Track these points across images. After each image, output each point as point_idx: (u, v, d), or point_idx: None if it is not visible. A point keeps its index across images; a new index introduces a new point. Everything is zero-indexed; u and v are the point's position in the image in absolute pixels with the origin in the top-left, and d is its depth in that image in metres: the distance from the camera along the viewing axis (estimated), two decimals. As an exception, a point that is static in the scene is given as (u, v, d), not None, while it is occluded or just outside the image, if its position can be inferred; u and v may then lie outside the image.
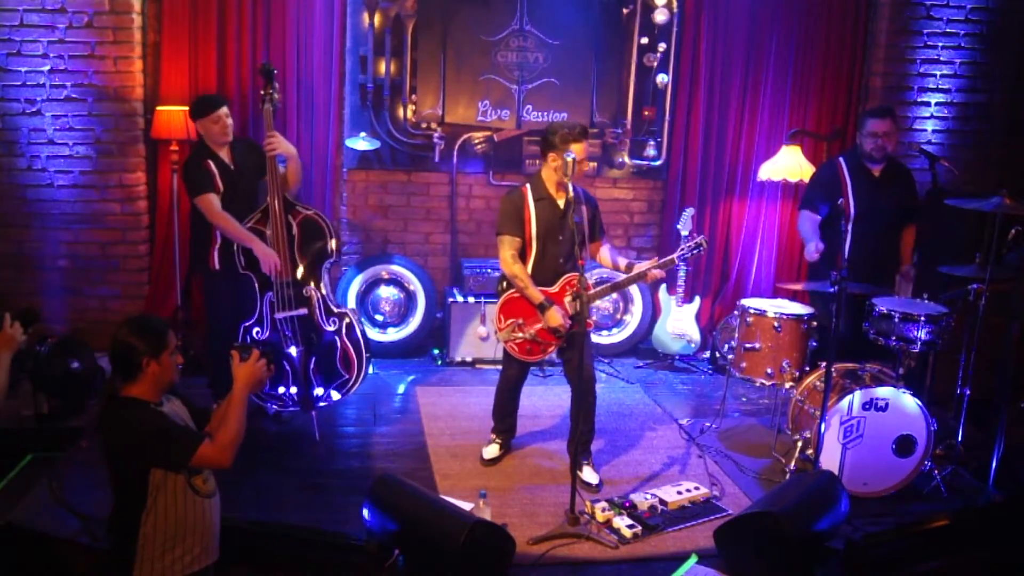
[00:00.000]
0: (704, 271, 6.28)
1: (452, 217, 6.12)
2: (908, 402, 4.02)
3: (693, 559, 3.46)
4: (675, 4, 5.94)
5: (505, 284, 4.12)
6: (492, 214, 6.19)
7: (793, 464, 4.20)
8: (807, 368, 4.38)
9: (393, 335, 5.86)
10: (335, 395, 4.49)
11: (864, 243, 4.61)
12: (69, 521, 3.52)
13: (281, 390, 4.44)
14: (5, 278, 5.29)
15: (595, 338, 4.48)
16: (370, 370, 4.64)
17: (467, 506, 3.56)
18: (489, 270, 5.80)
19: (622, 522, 3.68)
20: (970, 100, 6.06)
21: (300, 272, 4.40)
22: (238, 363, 2.73)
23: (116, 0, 5.10)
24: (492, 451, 4.31)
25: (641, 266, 4.09)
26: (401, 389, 5.38)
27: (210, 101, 4.51)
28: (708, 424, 4.85)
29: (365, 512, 3.37)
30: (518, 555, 3.38)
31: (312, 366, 4.39)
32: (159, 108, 5.26)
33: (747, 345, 4.47)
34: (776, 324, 4.38)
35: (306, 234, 4.41)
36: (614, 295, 6.01)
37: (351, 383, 4.47)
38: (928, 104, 6.04)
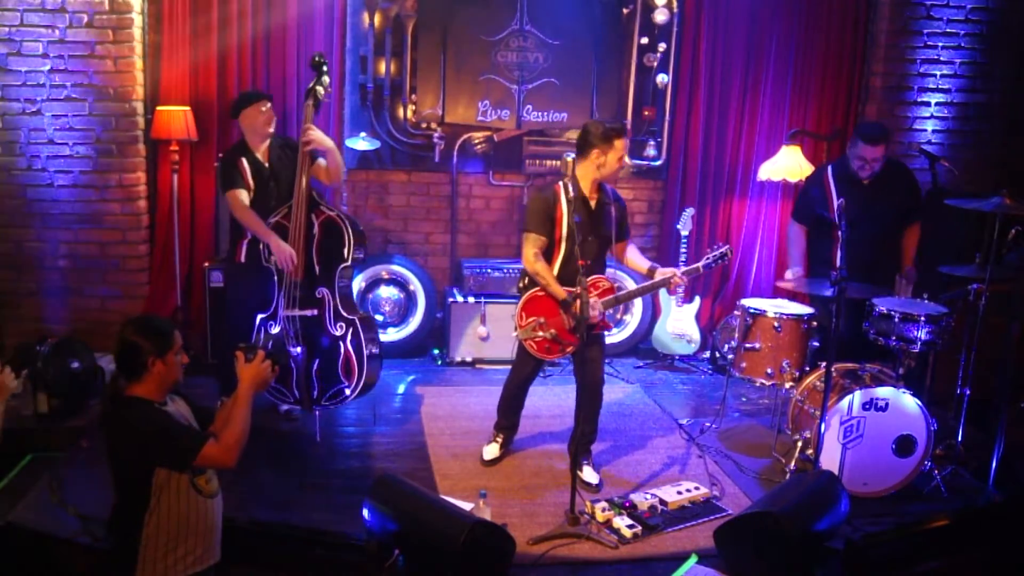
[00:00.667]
0: (704, 271, 6.27)
1: (452, 217, 6.12)
2: (908, 402, 4.02)
3: (693, 559, 3.46)
4: (675, 4, 5.94)
5: (527, 281, 4.07)
6: (492, 214, 6.20)
7: (793, 464, 4.20)
8: (807, 368, 4.38)
9: (393, 335, 5.86)
10: (331, 401, 4.42)
11: (854, 249, 4.57)
12: (69, 521, 3.52)
13: (287, 388, 4.42)
14: (5, 278, 5.30)
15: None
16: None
17: (467, 506, 3.56)
18: (489, 270, 5.80)
19: (622, 522, 3.68)
20: (970, 100, 6.06)
21: (316, 272, 4.35)
22: (243, 363, 2.73)
23: (116, 0, 5.10)
24: (492, 451, 4.30)
25: (665, 272, 4.07)
26: (401, 389, 5.38)
27: (250, 95, 4.54)
28: (708, 424, 4.85)
29: (365, 512, 3.36)
30: (518, 555, 3.38)
31: (315, 368, 4.37)
32: (159, 108, 5.27)
33: (747, 345, 4.47)
34: (776, 324, 4.39)
35: (326, 235, 4.35)
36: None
37: (348, 391, 4.35)
38: (928, 104, 6.04)
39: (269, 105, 4.51)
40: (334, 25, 5.58)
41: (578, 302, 3.73)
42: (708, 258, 4.18)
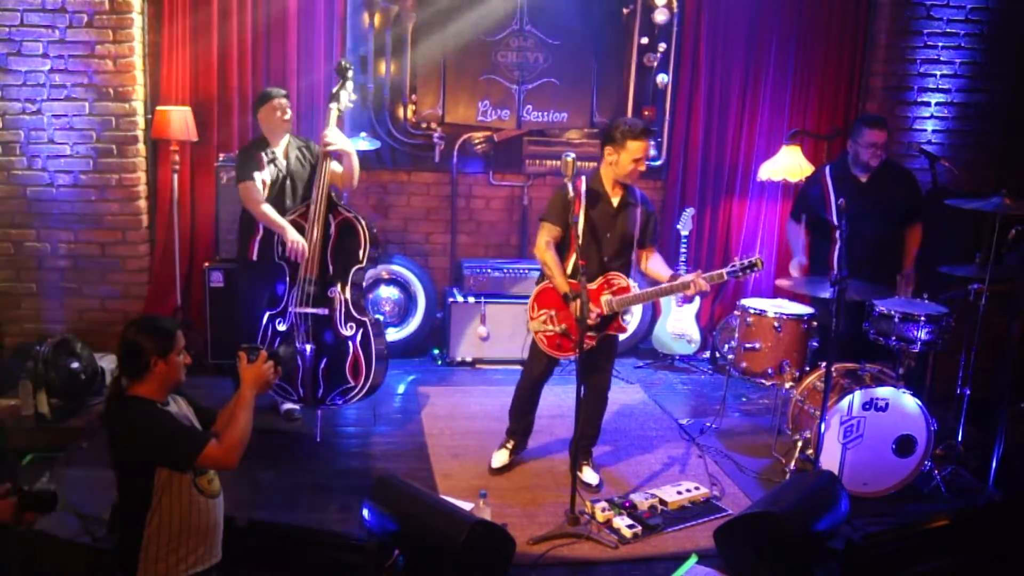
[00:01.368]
0: (704, 271, 6.26)
1: (452, 217, 6.12)
2: (908, 402, 4.02)
3: (693, 559, 3.46)
4: (675, 4, 5.94)
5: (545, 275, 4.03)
6: (492, 214, 6.20)
7: (793, 464, 4.20)
8: (807, 368, 4.38)
9: (393, 335, 5.86)
10: (336, 400, 4.44)
11: (854, 249, 4.58)
12: (69, 521, 3.52)
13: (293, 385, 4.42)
14: (5, 278, 5.30)
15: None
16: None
17: (467, 506, 3.56)
18: (489, 270, 5.80)
19: (622, 522, 3.68)
20: (970, 100, 6.06)
21: (329, 272, 4.37)
22: (245, 364, 2.72)
23: (116, 0, 5.10)
24: (501, 458, 4.20)
25: (686, 277, 3.86)
26: (401, 389, 5.39)
27: (267, 92, 4.54)
28: (708, 424, 4.85)
29: (365, 512, 3.37)
30: (518, 555, 3.38)
31: (322, 366, 4.38)
32: (159, 108, 5.26)
33: (747, 345, 4.47)
34: (776, 324, 4.39)
35: (342, 236, 4.38)
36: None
37: (355, 391, 4.37)
38: (928, 104, 6.04)
39: (285, 100, 4.50)
40: (334, 25, 5.58)
41: (578, 301, 3.65)
42: (735, 265, 3.84)
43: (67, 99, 5.17)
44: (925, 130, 6.07)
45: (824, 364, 3.93)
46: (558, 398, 5.08)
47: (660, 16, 5.91)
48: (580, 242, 3.87)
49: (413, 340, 5.87)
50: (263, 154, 4.45)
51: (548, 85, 5.92)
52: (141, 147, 5.36)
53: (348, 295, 4.37)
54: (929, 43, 5.96)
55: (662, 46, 5.97)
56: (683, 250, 5.66)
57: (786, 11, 5.96)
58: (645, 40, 5.97)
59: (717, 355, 5.92)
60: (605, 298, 3.88)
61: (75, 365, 4.68)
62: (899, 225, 4.75)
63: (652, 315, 6.08)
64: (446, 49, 5.79)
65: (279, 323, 4.37)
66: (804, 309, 4.48)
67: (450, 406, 5.07)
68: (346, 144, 4.44)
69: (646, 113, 6.08)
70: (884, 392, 4.01)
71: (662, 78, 6.04)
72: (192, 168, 5.50)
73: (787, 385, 4.40)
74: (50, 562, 3.31)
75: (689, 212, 5.73)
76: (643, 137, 3.82)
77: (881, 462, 4.04)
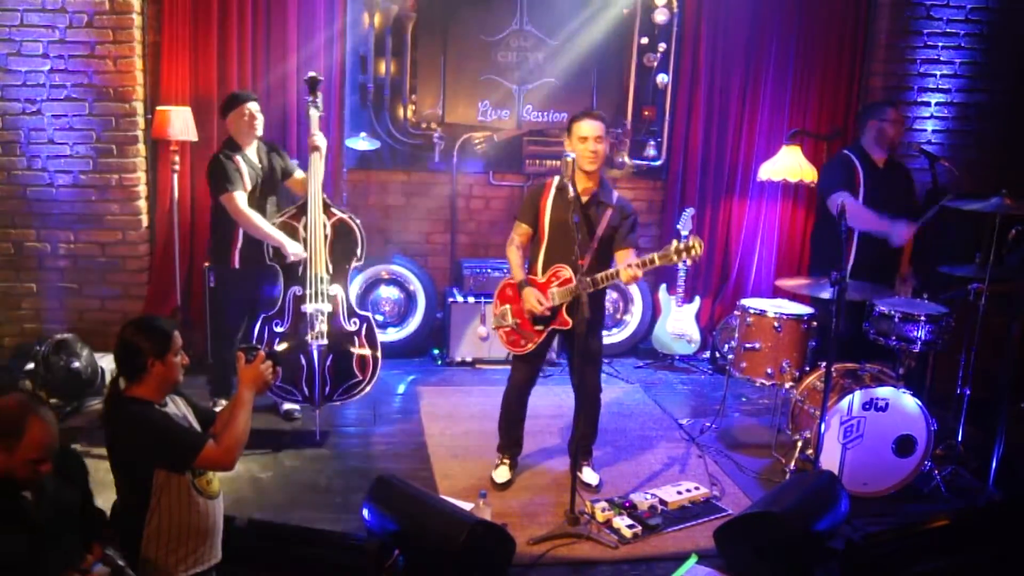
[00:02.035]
0: (704, 271, 6.28)
1: (452, 217, 6.12)
2: (908, 402, 4.03)
3: (693, 559, 3.46)
4: (675, 4, 5.94)
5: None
6: (492, 214, 6.20)
7: (793, 464, 4.20)
8: (807, 368, 4.38)
9: (393, 335, 5.86)
10: (343, 397, 4.50)
11: (872, 238, 4.61)
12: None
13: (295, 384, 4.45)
14: (5, 278, 5.29)
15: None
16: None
17: (467, 506, 3.56)
18: (489, 270, 5.80)
19: (622, 522, 3.68)
20: (970, 100, 6.06)
21: (329, 271, 4.42)
22: (244, 365, 2.72)
23: (116, 0, 5.10)
24: (503, 474, 4.13)
25: (618, 265, 3.78)
26: (401, 389, 5.39)
27: (237, 96, 4.55)
28: (708, 424, 4.85)
29: (365, 512, 3.37)
30: (518, 555, 3.39)
31: (329, 363, 4.40)
32: (159, 108, 5.26)
33: (747, 345, 4.47)
34: (776, 324, 4.38)
35: (339, 236, 4.45)
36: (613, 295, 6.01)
37: (363, 385, 4.49)
38: (928, 104, 6.04)
39: (254, 106, 4.49)
40: (334, 25, 5.58)
41: (527, 288, 3.82)
42: (667, 249, 3.62)
43: (67, 99, 5.16)
44: (925, 130, 6.07)
45: (824, 364, 3.93)
46: (558, 398, 5.08)
47: (660, 16, 5.91)
48: (547, 240, 3.91)
49: (413, 340, 5.87)
50: (239, 159, 4.43)
51: (548, 85, 5.93)
52: (141, 147, 5.36)
53: (347, 292, 4.49)
54: (929, 43, 5.96)
55: (662, 46, 5.98)
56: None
57: (786, 11, 5.96)
58: (645, 40, 5.97)
59: (717, 355, 5.92)
60: (551, 290, 3.87)
61: (75, 365, 4.68)
62: (903, 216, 4.79)
63: (652, 315, 6.08)
64: (446, 49, 5.79)
65: (276, 324, 4.38)
66: (804, 309, 4.47)
67: (450, 406, 5.07)
68: (322, 144, 4.51)
69: (646, 113, 6.08)
70: (884, 392, 4.01)
71: (662, 78, 6.04)
72: (192, 168, 5.49)
73: (787, 385, 4.40)
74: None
75: (689, 212, 5.73)
76: (584, 117, 3.86)
77: (881, 462, 4.04)
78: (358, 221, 4.52)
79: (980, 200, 4.14)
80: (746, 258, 6.27)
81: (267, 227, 4.36)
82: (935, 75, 6.02)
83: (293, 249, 4.32)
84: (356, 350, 4.46)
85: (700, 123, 6.08)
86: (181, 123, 5.20)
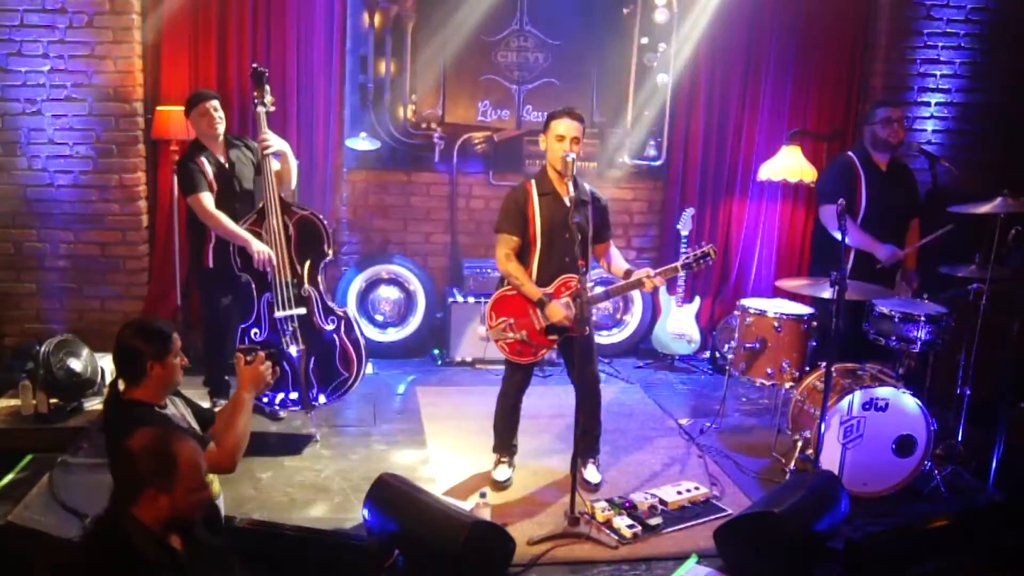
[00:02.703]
0: (704, 271, 6.27)
1: (452, 217, 6.12)
2: (908, 402, 4.02)
3: (693, 559, 3.46)
4: (675, 4, 5.94)
5: (504, 281, 4.02)
6: (492, 214, 6.17)
7: (793, 464, 4.20)
8: (807, 368, 4.37)
9: (393, 335, 5.86)
10: (333, 396, 4.47)
11: (875, 236, 4.61)
12: (69, 521, 3.52)
13: (280, 397, 4.42)
14: (5, 278, 5.30)
15: (596, 338, 4.44)
16: (368, 368, 4.63)
17: (467, 506, 3.56)
18: (489, 270, 5.80)
19: (622, 522, 3.67)
20: (970, 100, 6.06)
21: (298, 272, 4.38)
22: (243, 366, 2.71)
23: (116, 0, 5.10)
24: (503, 472, 4.12)
25: (639, 273, 3.87)
26: (401, 389, 5.38)
27: (197, 94, 4.54)
28: (708, 424, 4.85)
29: (365, 512, 3.37)
30: (518, 555, 3.38)
31: (311, 366, 4.39)
32: (159, 108, 5.27)
33: (747, 345, 4.47)
34: (776, 324, 4.38)
35: (303, 235, 4.38)
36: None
37: (351, 382, 4.44)
38: (928, 104, 6.04)
39: (214, 105, 4.46)
40: (334, 25, 5.58)
41: (552, 302, 3.78)
42: (688, 257, 3.91)
43: (67, 99, 5.17)
44: (925, 130, 6.07)
45: (824, 364, 3.93)
46: (558, 398, 5.08)
47: (660, 16, 5.91)
48: (539, 246, 3.88)
49: (413, 340, 5.87)
50: (204, 159, 4.43)
51: (548, 85, 5.92)
52: (141, 147, 5.36)
53: (320, 291, 4.42)
54: (929, 43, 5.96)
55: (662, 46, 5.97)
56: (683, 250, 5.65)
57: (786, 11, 5.96)
58: (645, 40, 5.97)
59: (717, 355, 5.92)
60: (563, 300, 3.85)
61: (75, 365, 4.68)
62: (907, 218, 4.79)
63: (652, 315, 6.08)
64: (446, 49, 5.79)
65: (255, 334, 4.37)
66: (804, 309, 4.47)
67: (450, 406, 5.07)
68: (281, 144, 4.45)
69: (646, 113, 6.08)
70: (884, 392, 4.01)
71: (662, 78, 6.04)
72: (192, 168, 5.49)
73: (787, 385, 4.40)
74: (50, 562, 3.31)
75: (689, 212, 5.74)
76: (562, 115, 3.82)
77: (881, 462, 4.04)
78: (321, 216, 4.44)
79: (981, 200, 4.15)
80: (746, 258, 6.27)
81: (233, 227, 4.34)
82: (935, 75, 6.01)
83: (257, 247, 4.28)
84: (337, 348, 4.39)
85: (700, 123, 6.08)
86: (181, 123, 5.20)
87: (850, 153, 4.85)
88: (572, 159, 3.73)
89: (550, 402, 5.08)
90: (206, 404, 3.62)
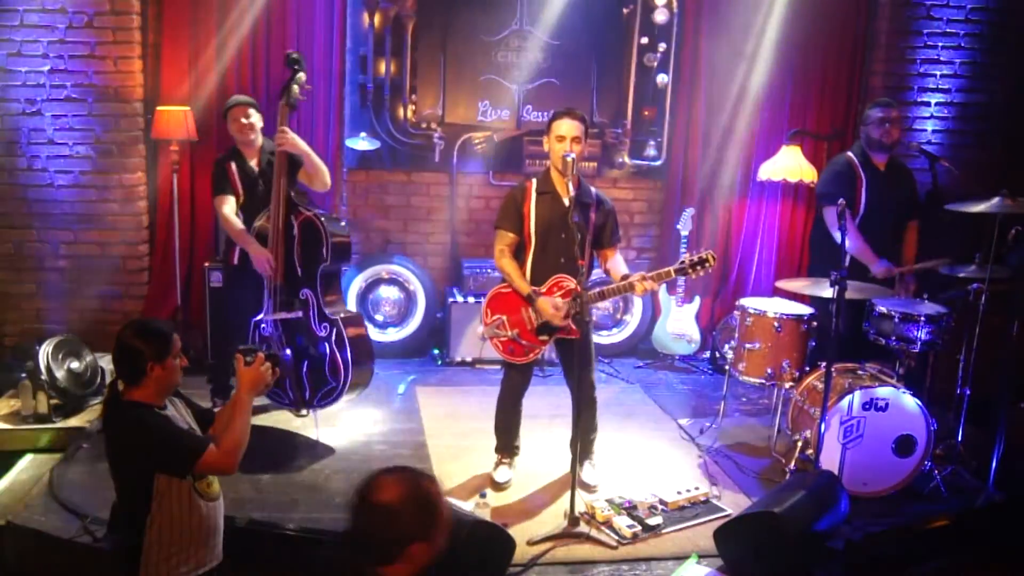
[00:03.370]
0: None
1: (452, 217, 6.12)
2: (908, 402, 4.02)
3: (693, 559, 3.46)
4: (675, 4, 5.94)
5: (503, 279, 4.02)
6: (492, 214, 6.17)
7: (793, 464, 4.19)
8: (807, 368, 4.37)
9: (393, 335, 5.86)
10: (321, 403, 4.37)
11: (874, 238, 4.61)
12: (69, 521, 3.52)
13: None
14: (5, 278, 5.30)
15: (595, 338, 4.44)
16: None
17: (467, 506, 3.56)
18: (489, 270, 5.80)
19: (622, 522, 3.67)
20: (970, 100, 6.06)
21: (298, 274, 4.30)
22: (243, 367, 2.70)
23: (116, 0, 5.10)
24: (504, 473, 4.11)
25: (634, 276, 3.79)
26: (401, 389, 5.38)
27: (229, 102, 4.56)
28: (708, 424, 4.84)
29: (365, 512, 3.36)
30: (518, 555, 3.38)
31: (304, 369, 4.33)
32: (159, 108, 5.26)
33: (747, 345, 4.46)
34: (776, 324, 4.38)
35: (306, 236, 4.28)
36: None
37: (338, 391, 4.28)
38: (928, 104, 6.04)
39: (248, 113, 4.44)
40: (334, 25, 5.58)
41: (541, 298, 3.77)
42: (683, 262, 3.80)
43: (67, 99, 5.17)
44: (925, 130, 6.06)
45: (824, 364, 3.93)
46: (557, 398, 5.07)
47: (660, 16, 5.91)
48: (534, 244, 3.88)
49: (413, 340, 5.87)
50: (232, 164, 4.46)
51: (548, 85, 5.92)
52: (141, 147, 5.36)
53: (320, 295, 4.29)
54: (929, 43, 5.95)
55: (662, 46, 5.97)
56: (683, 250, 5.65)
57: (786, 11, 5.95)
58: (645, 40, 5.97)
59: (717, 355, 5.92)
60: (555, 298, 3.84)
61: (75, 365, 4.68)
62: (906, 218, 4.80)
63: (652, 315, 6.08)
64: (446, 49, 5.79)
65: (263, 329, 4.35)
66: (804, 309, 4.47)
67: (450, 406, 5.07)
68: (299, 144, 4.32)
69: (646, 113, 6.08)
70: (884, 392, 4.01)
71: (662, 78, 6.04)
72: (192, 168, 5.50)
73: (787, 385, 4.40)
74: (49, 562, 3.31)
75: (689, 212, 5.73)
76: (564, 116, 3.82)
77: (881, 462, 4.04)
78: (324, 220, 4.28)
79: (980, 200, 4.15)
80: (746, 258, 6.26)
81: (240, 231, 4.37)
82: (935, 75, 6.01)
83: (255, 252, 4.27)
84: (327, 356, 4.26)
85: (700, 123, 6.07)
86: (181, 123, 5.21)
87: (849, 154, 4.85)
88: (572, 159, 3.73)
89: (550, 402, 5.08)
90: (207, 404, 3.63)
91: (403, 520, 1.84)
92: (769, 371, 4.40)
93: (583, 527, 3.64)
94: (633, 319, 6.14)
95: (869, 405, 4.00)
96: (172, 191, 5.37)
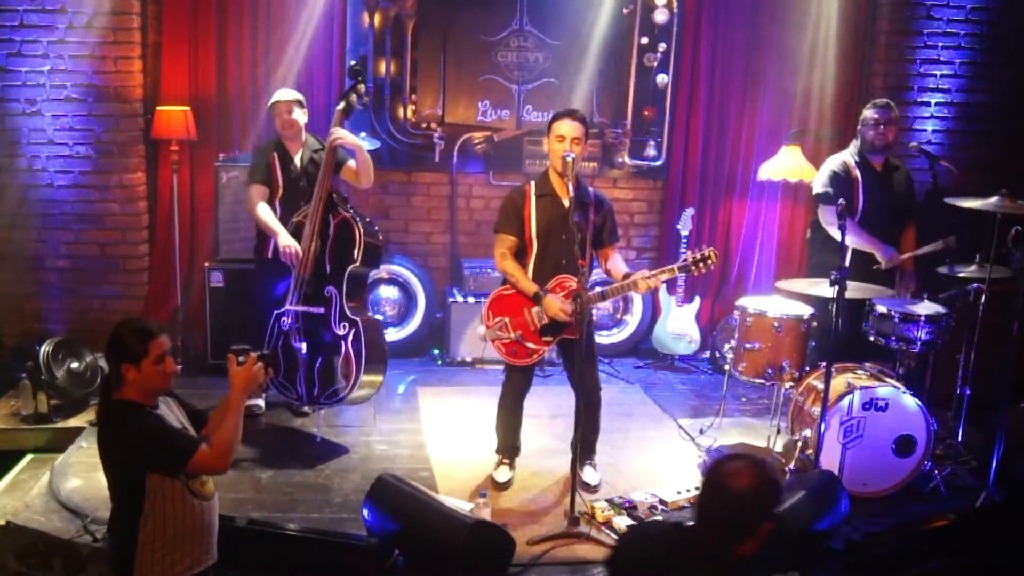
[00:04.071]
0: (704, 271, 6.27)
1: (452, 217, 6.12)
2: (908, 402, 4.02)
3: (693, 559, 3.45)
4: (675, 4, 5.94)
5: (505, 281, 4.02)
6: (492, 214, 6.16)
7: (793, 464, 4.19)
8: (807, 368, 4.37)
9: (393, 335, 5.85)
10: (325, 403, 4.40)
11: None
12: (69, 521, 3.52)
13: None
14: (5, 278, 5.29)
15: (596, 338, 4.45)
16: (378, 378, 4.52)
17: (467, 506, 3.56)
18: (489, 270, 5.79)
19: (622, 522, 3.67)
20: (970, 100, 6.05)
21: (327, 271, 4.34)
22: (235, 366, 2.68)
23: (116, 0, 5.10)
24: (504, 473, 4.12)
25: (636, 275, 3.84)
26: (401, 389, 5.38)
27: (275, 96, 4.57)
28: (708, 424, 4.84)
29: (365, 512, 3.37)
30: (518, 555, 3.38)
31: (318, 365, 4.36)
32: (159, 108, 5.27)
33: (747, 345, 4.46)
34: (776, 324, 4.38)
35: (340, 236, 4.34)
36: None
37: (345, 393, 4.29)
38: (928, 104, 6.03)
39: (290, 104, 4.50)
40: (334, 25, 5.58)
41: (548, 296, 3.77)
42: (686, 260, 3.86)
43: (67, 99, 5.17)
44: (925, 130, 6.06)
45: (824, 364, 3.93)
46: (558, 398, 5.07)
47: (660, 16, 5.91)
48: (536, 247, 3.88)
49: (413, 340, 5.87)
50: (275, 155, 4.51)
51: (548, 85, 5.92)
52: (141, 147, 5.36)
53: (345, 295, 4.31)
54: (929, 43, 5.95)
55: (662, 46, 5.97)
56: (683, 250, 5.64)
57: (786, 11, 5.95)
58: (645, 40, 5.97)
59: (717, 355, 5.91)
60: (560, 299, 3.83)
61: (75, 365, 4.68)
62: (903, 218, 4.80)
63: (652, 315, 6.08)
64: (446, 49, 5.79)
65: (284, 323, 4.36)
66: (804, 309, 4.47)
67: (450, 406, 5.07)
68: (354, 139, 4.45)
69: (646, 113, 6.08)
70: (884, 392, 4.01)
71: (662, 78, 6.04)
72: (192, 168, 5.50)
73: (787, 385, 4.40)
74: (49, 562, 3.31)
75: (689, 212, 5.73)
76: (564, 117, 3.85)
77: (881, 462, 4.04)
78: (363, 223, 4.32)
79: (980, 200, 4.15)
80: (746, 258, 6.27)
81: (266, 218, 4.43)
82: (935, 75, 6.01)
83: (283, 241, 4.32)
84: (340, 356, 4.28)
85: (700, 123, 6.07)
86: (181, 123, 5.21)
87: (845, 154, 4.85)
88: (571, 159, 3.73)
89: (550, 402, 5.08)
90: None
91: (758, 504, 2.08)
92: (769, 371, 4.40)
93: (583, 527, 3.64)
94: (633, 319, 6.14)
95: (869, 405, 4.00)
96: (172, 191, 5.37)
